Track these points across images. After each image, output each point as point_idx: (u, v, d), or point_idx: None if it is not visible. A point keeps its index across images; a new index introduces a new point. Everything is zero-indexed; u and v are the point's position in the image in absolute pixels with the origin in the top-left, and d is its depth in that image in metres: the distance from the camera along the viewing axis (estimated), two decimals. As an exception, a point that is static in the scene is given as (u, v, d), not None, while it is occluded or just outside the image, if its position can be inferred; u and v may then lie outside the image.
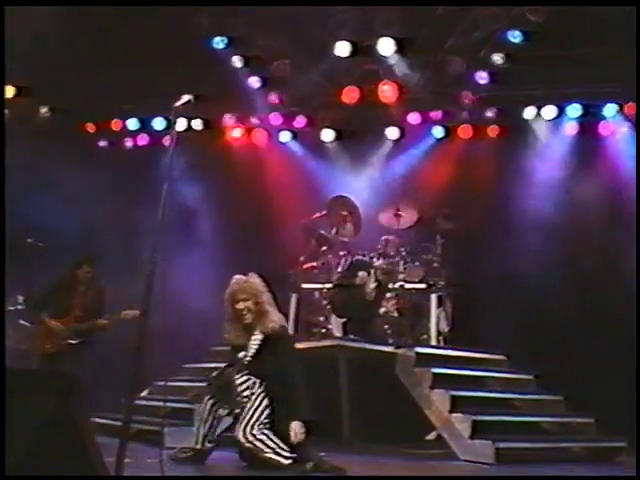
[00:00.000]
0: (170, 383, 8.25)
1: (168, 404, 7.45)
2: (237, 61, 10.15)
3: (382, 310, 9.16)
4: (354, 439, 7.80)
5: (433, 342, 9.18)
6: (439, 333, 9.29)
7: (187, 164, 9.92)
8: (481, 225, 9.93)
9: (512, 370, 8.80)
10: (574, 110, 9.87)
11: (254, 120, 10.96)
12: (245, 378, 6.15)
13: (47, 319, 8.11)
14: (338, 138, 10.84)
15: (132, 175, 10.53)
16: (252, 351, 6.21)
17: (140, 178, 9.98)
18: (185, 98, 4.82)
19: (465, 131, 10.43)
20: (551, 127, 10.06)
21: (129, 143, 11.25)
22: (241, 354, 6.23)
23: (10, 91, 10.53)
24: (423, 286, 9.41)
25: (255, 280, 6.34)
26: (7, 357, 8.14)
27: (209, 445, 6.25)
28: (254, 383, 6.12)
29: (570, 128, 9.98)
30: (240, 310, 6.23)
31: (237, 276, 6.38)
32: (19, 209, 9.62)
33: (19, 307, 9.21)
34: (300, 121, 10.85)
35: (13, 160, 9.75)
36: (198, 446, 6.22)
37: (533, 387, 8.67)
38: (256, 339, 6.24)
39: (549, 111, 9.94)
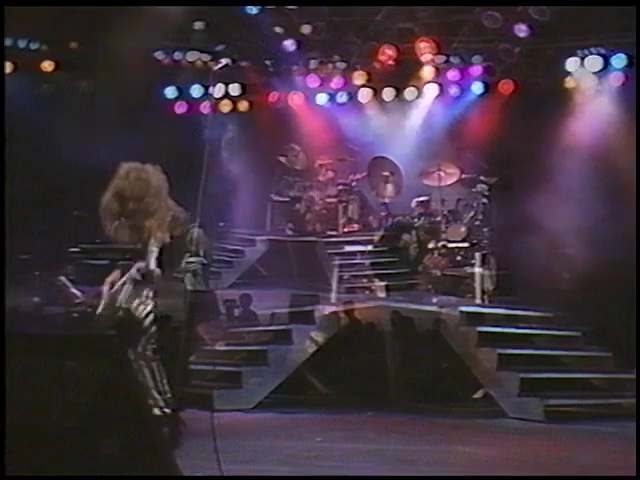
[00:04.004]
0: (218, 347, 8.34)
1: (217, 368, 7.55)
2: (272, 24, 10.06)
3: (425, 270, 9.13)
4: (401, 398, 7.82)
5: (478, 301, 9.13)
6: (483, 292, 9.23)
7: (226, 129, 9.92)
8: (523, 182, 9.77)
9: (559, 327, 8.72)
10: (619, 60, 9.60)
11: (291, 83, 10.88)
12: None
13: None
14: (376, 98, 10.71)
15: (173, 142, 10.54)
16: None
17: (181, 145, 9.98)
18: (223, 62, 4.81)
19: (506, 86, 10.24)
20: (595, 79, 9.81)
21: (167, 111, 11.25)
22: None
23: (50, 66, 10.56)
24: (466, 245, 9.34)
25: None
26: (59, 322, 8.35)
27: None
28: None
29: (615, 79, 9.73)
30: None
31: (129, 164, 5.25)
32: (61, 180, 9.74)
33: (70, 277, 9.37)
34: (337, 82, 10.75)
35: (53, 130, 9.84)
36: None
37: (580, 344, 8.59)
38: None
39: (593, 62, 9.70)
